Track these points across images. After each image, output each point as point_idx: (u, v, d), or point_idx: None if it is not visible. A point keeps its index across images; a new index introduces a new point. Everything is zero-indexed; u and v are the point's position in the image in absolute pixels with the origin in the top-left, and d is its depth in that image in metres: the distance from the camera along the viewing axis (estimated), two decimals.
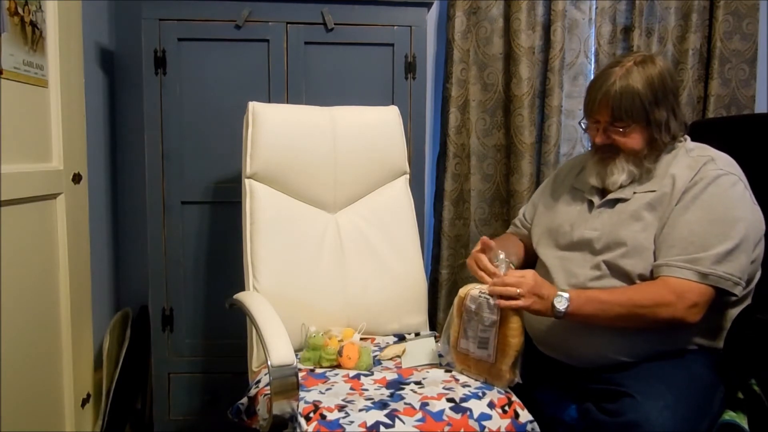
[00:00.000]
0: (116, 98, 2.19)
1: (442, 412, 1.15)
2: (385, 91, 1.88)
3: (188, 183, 1.85)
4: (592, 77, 1.85)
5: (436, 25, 2.30)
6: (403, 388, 1.25)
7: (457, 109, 2.19)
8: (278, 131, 1.55)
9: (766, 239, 1.28)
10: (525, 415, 1.21)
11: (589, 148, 1.45)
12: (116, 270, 2.23)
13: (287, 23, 1.82)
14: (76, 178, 1.65)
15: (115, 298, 2.22)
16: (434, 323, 2.19)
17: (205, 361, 1.91)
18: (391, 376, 1.32)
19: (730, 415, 1.24)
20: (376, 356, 1.44)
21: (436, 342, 1.47)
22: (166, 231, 1.85)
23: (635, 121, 1.29)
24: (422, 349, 1.46)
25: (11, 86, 1.34)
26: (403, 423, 1.12)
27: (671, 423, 1.10)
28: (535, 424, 1.21)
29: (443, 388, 1.25)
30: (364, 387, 1.27)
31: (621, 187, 1.34)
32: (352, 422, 1.11)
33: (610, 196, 1.35)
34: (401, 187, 1.69)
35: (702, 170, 1.26)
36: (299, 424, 1.12)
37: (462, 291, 1.31)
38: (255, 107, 1.54)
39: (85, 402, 1.71)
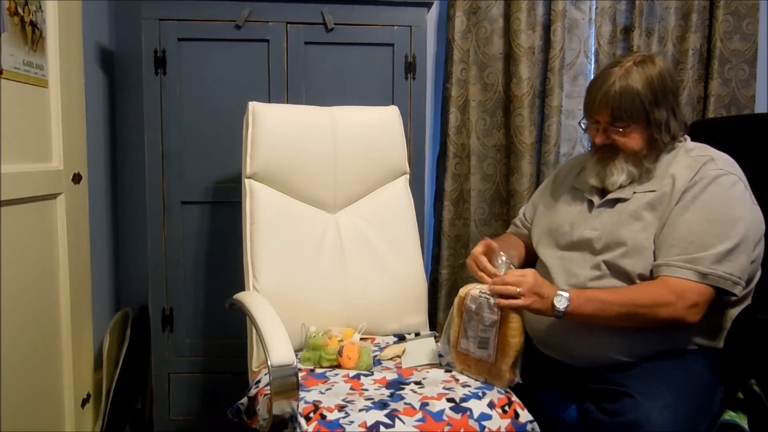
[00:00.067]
0: (116, 98, 2.19)
1: (442, 412, 1.15)
2: (385, 91, 1.88)
3: (188, 183, 1.85)
4: (592, 77, 1.84)
5: (436, 25, 2.30)
6: (403, 388, 1.25)
7: (457, 109, 2.19)
8: (278, 131, 1.55)
9: (766, 239, 1.28)
10: (525, 415, 1.20)
11: (589, 148, 1.45)
12: (116, 270, 2.23)
13: (287, 23, 1.82)
14: (76, 178, 1.65)
15: (115, 298, 2.22)
16: (434, 323, 2.19)
17: (205, 361, 1.91)
18: (391, 376, 1.32)
19: (730, 415, 1.24)
20: (376, 356, 1.44)
21: (436, 342, 1.47)
22: (166, 231, 1.85)
23: (635, 121, 1.29)
24: (422, 349, 1.46)
25: (11, 86, 1.34)
26: (403, 423, 1.12)
27: (671, 423, 1.10)
28: (535, 424, 1.21)
29: (443, 388, 1.25)
30: (364, 387, 1.26)
31: (621, 187, 1.33)
32: (352, 422, 1.10)
33: (610, 196, 1.35)
34: (401, 187, 1.69)
35: (702, 170, 1.26)
36: (299, 424, 1.12)
37: (462, 291, 1.31)
38: (255, 107, 1.54)
39: (85, 402, 1.71)
